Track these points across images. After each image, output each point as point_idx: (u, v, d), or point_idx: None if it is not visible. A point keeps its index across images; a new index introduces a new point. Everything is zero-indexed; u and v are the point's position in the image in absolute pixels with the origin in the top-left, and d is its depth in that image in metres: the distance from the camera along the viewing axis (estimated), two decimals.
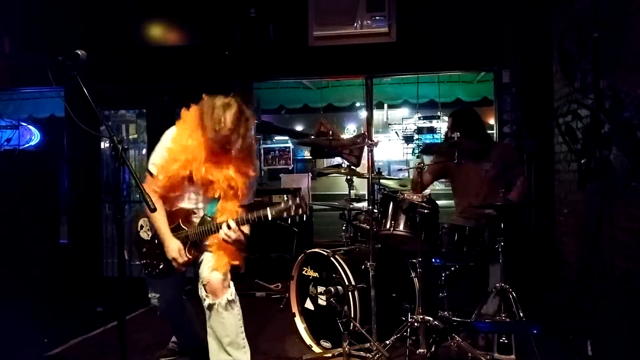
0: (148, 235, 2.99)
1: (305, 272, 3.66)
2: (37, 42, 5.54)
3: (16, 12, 5.56)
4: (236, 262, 2.84)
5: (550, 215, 4.99)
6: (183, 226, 2.86)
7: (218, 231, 2.70)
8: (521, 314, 3.17)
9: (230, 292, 2.79)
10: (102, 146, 5.99)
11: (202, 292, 2.80)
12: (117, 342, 2.26)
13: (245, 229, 2.73)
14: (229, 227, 2.66)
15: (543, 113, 4.99)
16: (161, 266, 2.92)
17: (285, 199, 2.56)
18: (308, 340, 3.60)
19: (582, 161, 3.86)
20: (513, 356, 3.04)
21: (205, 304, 2.79)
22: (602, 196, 3.67)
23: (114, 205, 5.36)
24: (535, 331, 3.02)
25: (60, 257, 5.51)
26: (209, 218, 2.84)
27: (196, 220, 2.89)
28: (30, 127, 9.23)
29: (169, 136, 2.90)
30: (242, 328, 2.84)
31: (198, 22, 5.44)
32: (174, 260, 2.80)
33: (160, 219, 2.83)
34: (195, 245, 2.85)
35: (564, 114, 4.38)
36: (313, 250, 3.64)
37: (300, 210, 2.50)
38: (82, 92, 2.21)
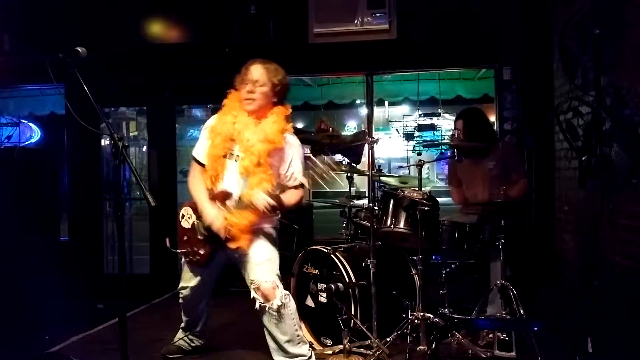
0: (189, 223, 3.05)
1: (306, 269, 3.65)
2: (37, 40, 5.53)
3: (16, 9, 5.55)
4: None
5: (550, 212, 4.98)
6: (221, 207, 2.90)
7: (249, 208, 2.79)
8: (522, 311, 3.17)
9: (282, 294, 2.86)
10: (102, 143, 6.00)
11: (253, 294, 2.88)
12: (117, 340, 2.26)
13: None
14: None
15: (544, 110, 4.98)
16: (202, 252, 2.97)
17: None
18: (308, 337, 3.59)
19: (583, 158, 3.85)
20: (513, 353, 3.05)
21: (257, 305, 2.86)
22: (602, 193, 3.66)
23: (115, 202, 5.37)
24: (535, 328, 3.03)
25: (61, 254, 5.51)
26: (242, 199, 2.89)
27: (232, 203, 2.93)
28: (30, 124, 9.24)
29: (210, 121, 3.10)
30: (297, 325, 2.95)
31: (198, 20, 5.43)
32: (213, 224, 2.85)
33: (200, 191, 2.96)
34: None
35: (564, 111, 4.36)
36: (313, 247, 3.63)
37: None
38: (82, 90, 2.22)
